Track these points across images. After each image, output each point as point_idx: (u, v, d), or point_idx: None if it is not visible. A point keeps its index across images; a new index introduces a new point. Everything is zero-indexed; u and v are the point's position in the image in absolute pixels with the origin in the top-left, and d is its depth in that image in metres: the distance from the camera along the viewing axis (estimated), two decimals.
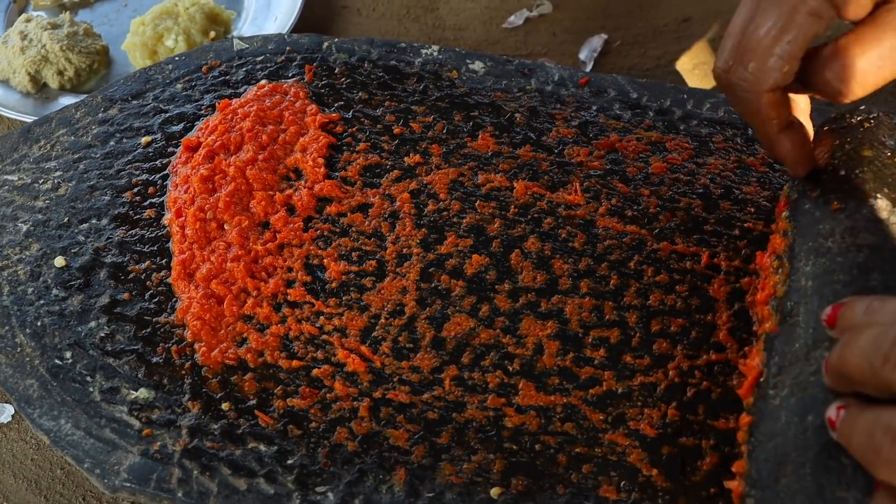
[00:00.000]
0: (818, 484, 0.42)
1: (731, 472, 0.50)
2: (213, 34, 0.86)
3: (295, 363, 0.55)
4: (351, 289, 0.58)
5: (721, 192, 0.63)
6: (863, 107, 0.59)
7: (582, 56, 0.88)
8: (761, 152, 0.66)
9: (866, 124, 0.57)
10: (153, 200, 0.63)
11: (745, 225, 0.61)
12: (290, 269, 0.59)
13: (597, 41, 0.88)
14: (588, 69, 0.86)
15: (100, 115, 0.68)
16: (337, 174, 0.64)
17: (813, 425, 0.44)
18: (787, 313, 0.50)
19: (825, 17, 0.48)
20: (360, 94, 0.69)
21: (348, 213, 0.62)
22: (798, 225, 0.54)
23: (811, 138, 0.55)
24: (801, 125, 0.54)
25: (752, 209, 0.62)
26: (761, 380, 0.50)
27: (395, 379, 0.54)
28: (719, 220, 0.62)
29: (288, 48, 0.72)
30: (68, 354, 0.55)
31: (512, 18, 0.91)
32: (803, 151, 0.54)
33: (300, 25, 0.87)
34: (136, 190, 0.63)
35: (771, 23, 0.49)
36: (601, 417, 0.53)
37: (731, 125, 0.67)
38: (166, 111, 0.68)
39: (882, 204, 0.51)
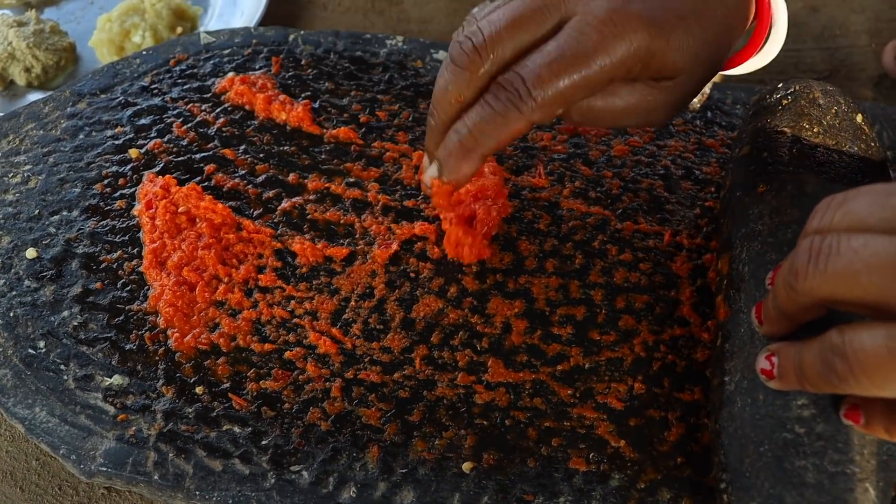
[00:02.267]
0: (777, 458, 0.44)
1: (697, 442, 0.51)
2: (179, 30, 0.87)
3: (267, 346, 0.55)
4: (321, 273, 0.59)
5: (682, 173, 0.65)
6: (780, 84, 0.61)
7: None
8: (720, 134, 0.67)
9: (784, 101, 0.58)
10: (123, 192, 0.63)
11: (706, 204, 0.63)
12: (260, 256, 0.60)
13: None
14: None
15: (68, 109, 0.68)
16: None
17: (764, 404, 0.45)
18: (731, 301, 0.51)
19: (618, 77, 0.48)
20: (326, 84, 0.70)
21: (319, 202, 0.63)
22: (732, 213, 0.56)
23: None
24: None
25: (713, 188, 0.64)
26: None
27: (366, 359, 0.55)
28: (680, 199, 0.63)
29: (254, 41, 0.73)
30: (42, 344, 0.56)
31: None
32: (463, 184, 0.51)
33: (266, 20, 0.88)
34: (106, 182, 0.64)
35: (567, 57, 0.46)
36: (569, 392, 0.54)
37: (691, 108, 0.69)
38: (135, 104, 0.69)
39: (805, 177, 0.52)
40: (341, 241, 0.60)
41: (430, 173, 0.51)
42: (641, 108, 0.50)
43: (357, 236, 0.61)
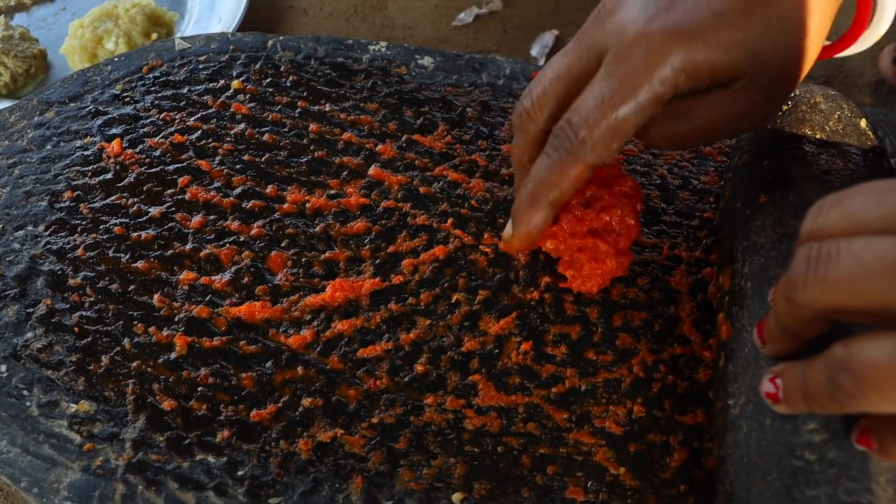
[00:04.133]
0: (786, 487, 0.41)
1: (700, 468, 0.48)
2: (154, 36, 0.84)
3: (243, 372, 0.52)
4: (301, 291, 0.56)
5: (679, 183, 0.62)
6: None
7: (533, 52, 0.86)
8: (718, 142, 0.64)
9: (784, 107, 0.56)
10: (93, 205, 0.60)
11: (705, 215, 0.60)
12: (238, 271, 0.56)
13: (548, 37, 0.87)
14: (540, 65, 0.84)
15: (35, 118, 0.65)
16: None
17: (771, 429, 0.42)
18: (733, 318, 0.49)
19: (669, 96, 0.46)
20: (306, 91, 0.67)
21: (298, 214, 0.59)
22: (732, 226, 0.53)
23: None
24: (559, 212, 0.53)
25: (711, 199, 0.61)
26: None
27: (349, 382, 0.52)
28: (678, 210, 0.60)
29: (231, 47, 0.70)
30: (3, 367, 0.52)
31: (462, 16, 0.89)
32: (538, 236, 0.52)
33: (245, 26, 0.85)
34: (74, 195, 0.60)
35: (614, 95, 0.46)
36: (565, 416, 0.51)
37: None
38: (105, 113, 0.65)
39: (808, 185, 0.50)
40: (322, 255, 0.57)
41: (506, 229, 0.54)
42: (725, 117, 0.48)
43: (338, 250, 0.58)
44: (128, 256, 0.57)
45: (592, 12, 0.49)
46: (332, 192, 0.60)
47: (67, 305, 0.55)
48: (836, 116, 0.54)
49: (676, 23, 0.45)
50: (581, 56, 0.48)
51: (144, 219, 0.59)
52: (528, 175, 0.50)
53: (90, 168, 0.62)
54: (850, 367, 0.35)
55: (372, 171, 0.61)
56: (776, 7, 0.46)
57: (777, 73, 0.47)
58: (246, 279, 0.56)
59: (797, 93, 0.57)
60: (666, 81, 0.45)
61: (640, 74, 0.45)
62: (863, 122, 0.55)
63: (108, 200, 0.60)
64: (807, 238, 0.38)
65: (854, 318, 0.36)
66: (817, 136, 0.53)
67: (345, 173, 0.62)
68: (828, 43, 0.54)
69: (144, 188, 0.60)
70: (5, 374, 0.52)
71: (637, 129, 0.47)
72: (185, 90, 0.66)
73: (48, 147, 0.63)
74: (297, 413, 0.51)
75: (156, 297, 0.55)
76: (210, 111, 0.65)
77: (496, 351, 0.53)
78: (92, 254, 0.57)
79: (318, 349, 0.53)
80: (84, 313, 0.55)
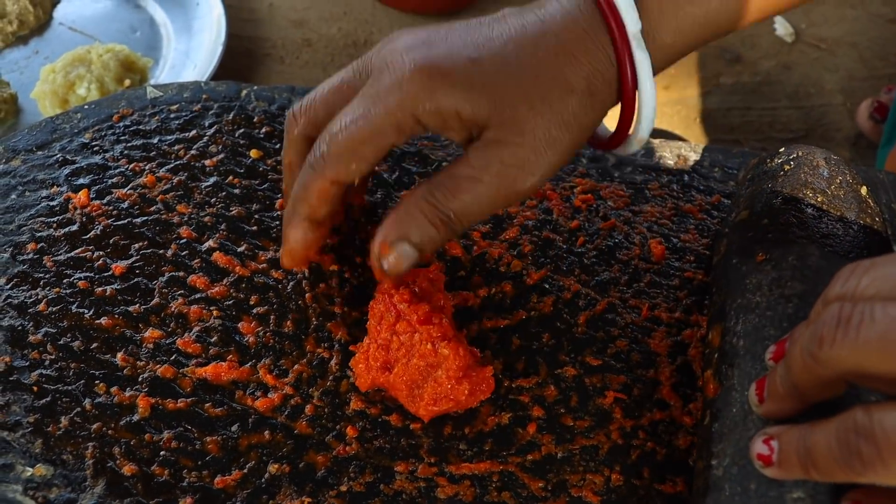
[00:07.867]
0: None
1: None
2: (128, 82, 0.82)
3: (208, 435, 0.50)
4: (269, 353, 0.54)
5: (658, 241, 0.61)
6: (783, 149, 0.57)
7: None
8: (699, 199, 0.64)
9: (786, 167, 0.55)
10: (57, 258, 0.58)
11: (685, 274, 0.59)
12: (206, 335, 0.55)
13: None
14: None
15: (1, 166, 0.63)
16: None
17: (756, 494, 0.41)
18: (722, 376, 0.47)
19: (407, 134, 0.47)
20: (279, 143, 0.65)
21: (270, 271, 0.58)
22: (727, 282, 0.52)
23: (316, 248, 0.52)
24: (326, 228, 0.52)
25: (692, 258, 0.60)
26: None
27: (316, 448, 0.50)
28: (658, 270, 0.59)
29: (204, 96, 0.68)
30: None
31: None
32: (303, 253, 0.52)
33: (220, 74, 0.84)
34: (38, 247, 0.58)
35: (356, 115, 0.47)
36: (540, 485, 0.49)
37: (667, 171, 0.65)
38: (73, 162, 0.64)
39: (808, 248, 0.49)
40: (293, 315, 0.56)
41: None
42: (498, 180, 0.47)
43: (310, 312, 0.56)
44: (91, 312, 0.55)
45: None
46: None
47: (27, 363, 0.53)
48: (838, 181, 0.54)
49: (432, 60, 0.46)
50: (353, 73, 0.49)
51: (109, 273, 0.57)
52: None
53: (55, 219, 0.60)
54: (872, 434, 0.34)
55: (347, 226, 0.60)
56: (532, 68, 0.47)
57: (540, 136, 0.47)
58: (213, 338, 0.54)
59: (799, 153, 0.56)
60: (406, 110, 0.46)
61: (384, 99, 0.46)
62: (863, 190, 0.54)
63: (72, 253, 0.58)
64: (835, 300, 0.37)
65: (877, 385, 0.35)
66: (818, 199, 0.52)
67: None
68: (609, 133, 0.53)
69: (111, 241, 0.59)
70: None
71: (378, 154, 0.47)
72: (156, 140, 0.65)
73: (13, 196, 0.61)
74: (263, 480, 0.49)
75: (119, 355, 0.53)
76: (181, 162, 0.63)
77: (470, 417, 0.52)
78: (54, 309, 0.55)
79: (287, 413, 0.51)
80: (44, 371, 0.53)
